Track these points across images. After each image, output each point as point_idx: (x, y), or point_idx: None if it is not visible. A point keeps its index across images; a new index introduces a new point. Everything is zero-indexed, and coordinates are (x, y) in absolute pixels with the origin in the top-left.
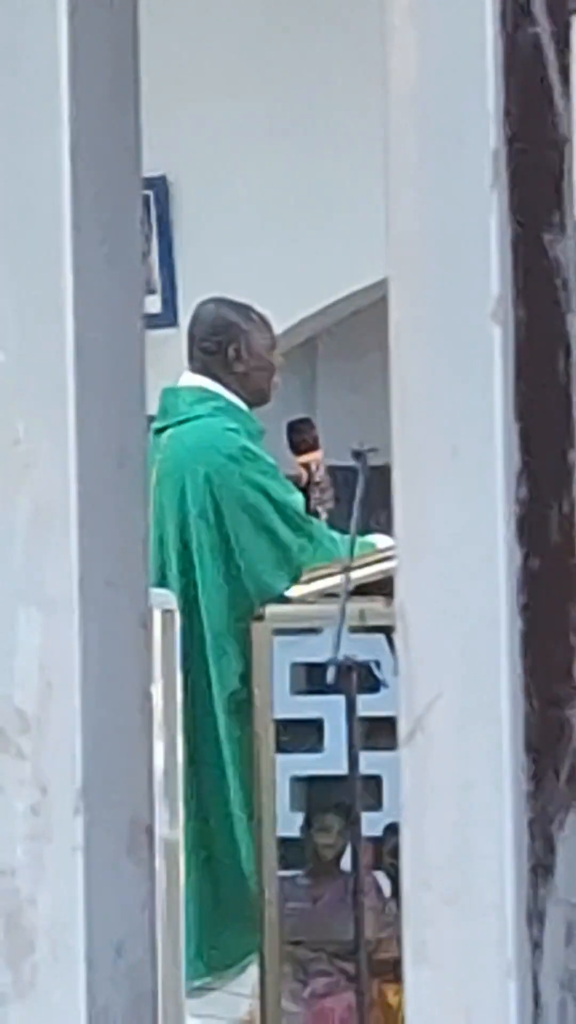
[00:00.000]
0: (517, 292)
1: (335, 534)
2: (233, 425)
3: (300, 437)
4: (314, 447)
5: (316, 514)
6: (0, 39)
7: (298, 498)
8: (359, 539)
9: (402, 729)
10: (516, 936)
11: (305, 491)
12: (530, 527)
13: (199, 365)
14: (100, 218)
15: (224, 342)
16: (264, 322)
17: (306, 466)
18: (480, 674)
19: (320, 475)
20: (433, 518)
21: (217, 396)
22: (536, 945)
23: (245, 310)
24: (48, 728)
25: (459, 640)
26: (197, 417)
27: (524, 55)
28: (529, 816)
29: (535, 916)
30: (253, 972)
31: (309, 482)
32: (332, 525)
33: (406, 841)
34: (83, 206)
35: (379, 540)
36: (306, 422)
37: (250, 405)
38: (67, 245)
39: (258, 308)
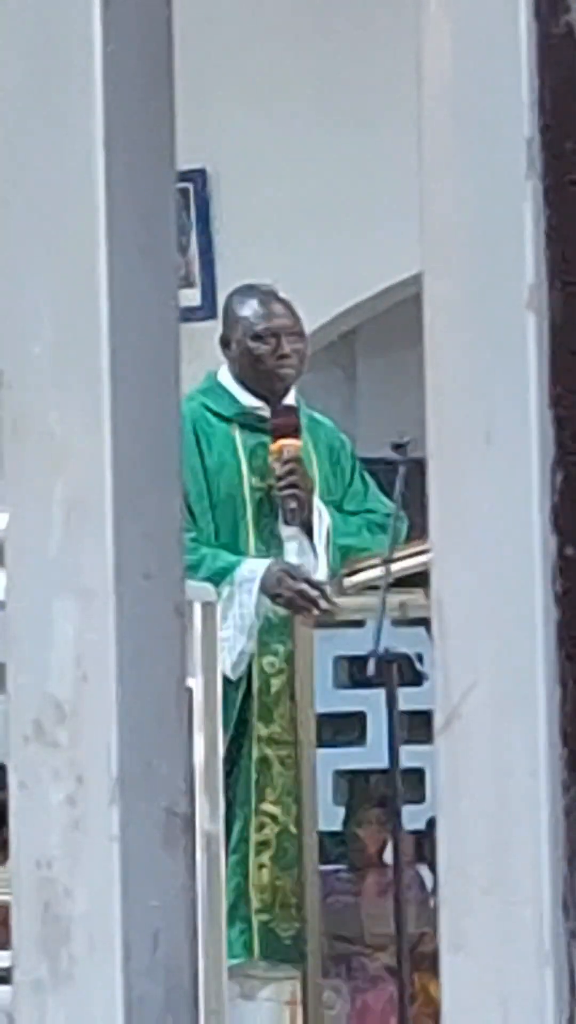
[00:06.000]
0: (552, 280)
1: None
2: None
3: (275, 423)
4: (287, 435)
5: (292, 510)
6: (34, 31)
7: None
8: None
9: (438, 718)
10: (553, 925)
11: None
12: (566, 515)
13: None
14: (135, 210)
15: (222, 329)
16: (256, 306)
17: (278, 453)
18: (516, 662)
19: (285, 467)
20: (468, 506)
21: (209, 378)
22: (573, 934)
23: (243, 295)
24: (84, 718)
25: (495, 629)
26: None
27: (558, 43)
28: (566, 805)
29: (572, 905)
30: None
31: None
32: (290, 522)
33: (442, 830)
34: (117, 198)
35: None
36: (288, 409)
37: (254, 391)
38: (101, 237)
39: (280, 292)
